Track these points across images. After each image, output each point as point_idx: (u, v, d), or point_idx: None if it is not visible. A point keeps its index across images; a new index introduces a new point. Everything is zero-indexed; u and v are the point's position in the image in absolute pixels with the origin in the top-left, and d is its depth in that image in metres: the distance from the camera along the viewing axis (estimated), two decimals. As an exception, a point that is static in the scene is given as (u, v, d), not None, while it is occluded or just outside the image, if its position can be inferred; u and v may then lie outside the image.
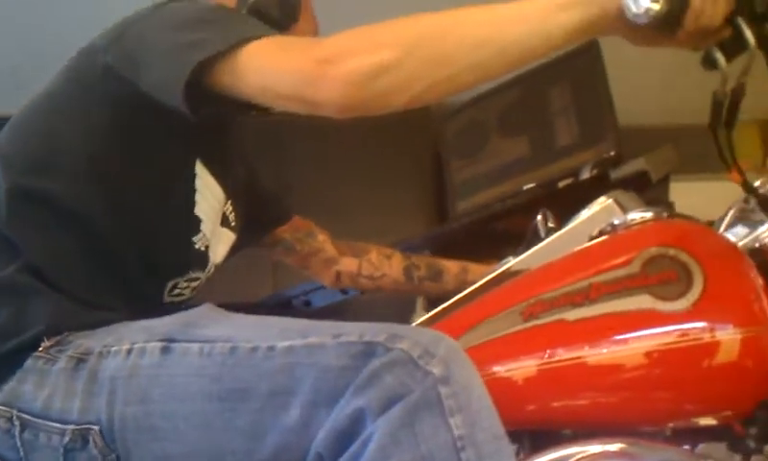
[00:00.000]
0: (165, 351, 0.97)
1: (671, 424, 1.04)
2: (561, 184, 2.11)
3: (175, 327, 1.00)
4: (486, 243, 2.06)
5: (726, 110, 1.07)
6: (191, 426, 0.95)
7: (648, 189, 1.83)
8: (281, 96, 1.00)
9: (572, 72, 2.31)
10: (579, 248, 1.10)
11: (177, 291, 1.19)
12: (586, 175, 2.01)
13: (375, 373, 0.86)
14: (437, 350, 0.88)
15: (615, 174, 1.94)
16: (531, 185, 2.24)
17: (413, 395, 0.85)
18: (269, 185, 1.51)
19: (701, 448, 1.04)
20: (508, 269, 1.16)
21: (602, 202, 1.15)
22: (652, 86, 2.92)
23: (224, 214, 1.25)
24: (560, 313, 1.02)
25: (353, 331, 0.91)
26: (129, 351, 0.98)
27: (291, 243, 1.52)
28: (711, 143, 1.10)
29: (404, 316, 1.46)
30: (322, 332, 0.93)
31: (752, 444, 1.04)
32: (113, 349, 0.99)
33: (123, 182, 1.11)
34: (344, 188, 2.96)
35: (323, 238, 1.55)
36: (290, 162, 2.98)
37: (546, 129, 2.31)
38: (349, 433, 0.86)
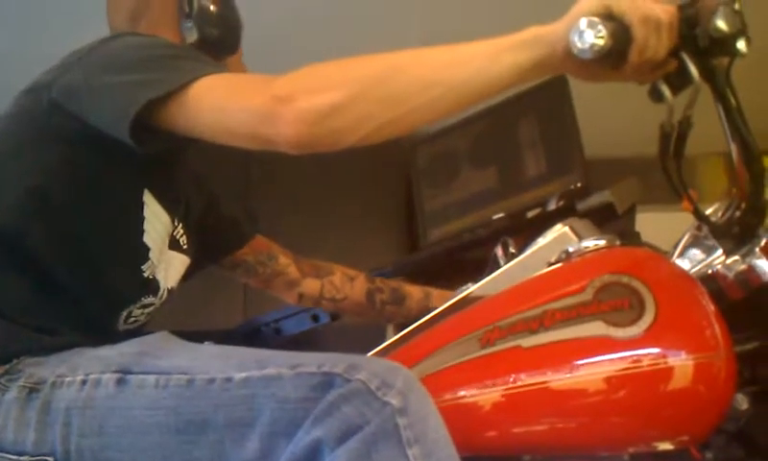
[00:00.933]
0: (120, 382, 0.97)
1: (629, 449, 1.06)
2: (529, 215, 2.13)
3: (130, 357, 1.00)
4: (457, 271, 2.07)
5: (674, 142, 1.10)
6: (149, 459, 0.95)
7: (614, 220, 1.86)
8: (235, 133, 1.02)
9: (540, 105, 2.34)
10: (534, 275, 1.12)
11: (132, 319, 1.20)
12: (552, 206, 2.03)
13: (334, 403, 0.88)
14: (394, 381, 0.89)
15: (582, 205, 1.96)
16: (500, 215, 2.26)
17: (371, 425, 0.86)
18: (229, 210, 1.53)
19: (657, 472, 1.06)
20: (466, 296, 1.18)
21: (557, 229, 1.17)
22: (619, 119, 2.96)
23: (173, 238, 1.26)
24: (516, 340, 1.04)
25: (311, 362, 0.92)
26: (83, 382, 0.99)
27: (252, 265, 1.54)
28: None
29: (375, 344, 1.47)
30: (279, 363, 0.94)
31: (708, 468, 1.06)
32: (67, 379, 1.00)
33: (68, 215, 1.12)
34: (315, 216, 2.97)
35: (285, 261, 1.57)
36: (258, 188, 3.00)
37: (515, 160, 2.33)
38: None
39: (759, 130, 1.13)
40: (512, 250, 1.32)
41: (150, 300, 1.22)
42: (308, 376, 0.91)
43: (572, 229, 1.17)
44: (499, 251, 1.34)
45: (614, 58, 0.99)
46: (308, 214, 2.99)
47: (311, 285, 1.59)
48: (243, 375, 0.94)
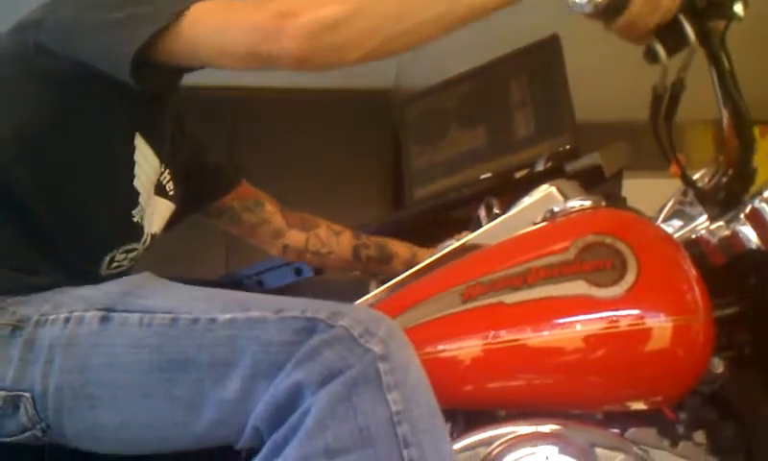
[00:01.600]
0: (104, 320, 0.97)
1: (603, 408, 1.07)
2: (517, 175, 2.13)
3: (113, 296, 1.00)
4: (442, 230, 2.07)
5: (665, 104, 1.10)
6: (129, 396, 0.95)
7: (602, 184, 1.86)
8: (235, 53, 1.00)
9: (532, 65, 2.33)
10: (519, 233, 1.12)
11: (115, 264, 1.19)
12: (540, 167, 2.02)
13: (316, 348, 0.88)
14: (377, 329, 0.89)
15: (570, 167, 1.96)
16: (488, 175, 2.26)
17: (352, 370, 0.86)
18: (213, 157, 1.51)
19: (631, 432, 1.06)
20: (449, 252, 1.18)
21: (543, 189, 1.17)
22: (611, 83, 2.95)
23: (160, 183, 1.25)
24: (498, 296, 1.04)
25: (295, 307, 0.92)
26: (67, 320, 0.98)
27: (238, 212, 1.52)
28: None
29: (357, 299, 1.47)
30: (264, 306, 0.94)
31: (681, 429, 1.07)
32: (51, 317, 0.99)
33: (54, 158, 1.10)
34: (301, 171, 2.96)
35: (271, 209, 1.55)
36: (244, 143, 2.98)
37: (505, 120, 2.32)
38: (288, 406, 0.88)
39: (750, 98, 1.13)
40: (495, 210, 1.32)
41: (133, 245, 1.21)
42: (292, 320, 0.91)
43: (558, 189, 1.17)
44: (482, 211, 1.34)
45: (612, 12, 0.98)
46: (294, 169, 2.98)
47: (296, 237, 1.58)
48: (227, 316, 0.94)
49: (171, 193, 1.29)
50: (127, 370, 0.95)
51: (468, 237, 1.18)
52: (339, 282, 1.91)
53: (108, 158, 1.14)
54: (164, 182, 1.26)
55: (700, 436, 1.08)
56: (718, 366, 1.06)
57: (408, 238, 1.77)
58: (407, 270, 1.22)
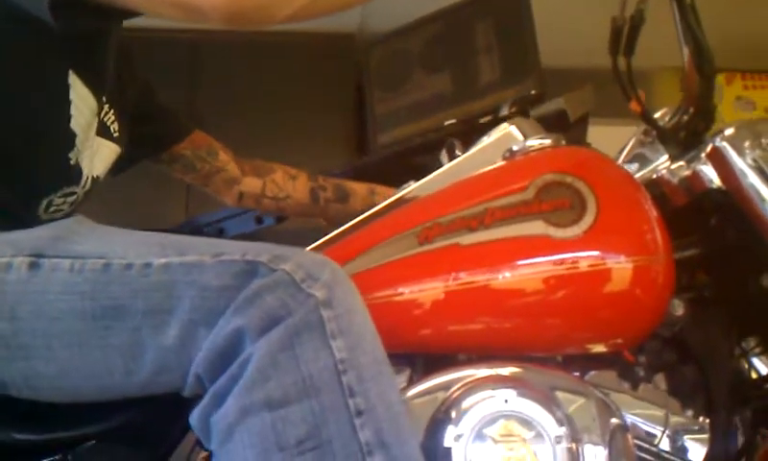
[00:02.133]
0: (33, 266, 0.92)
1: (563, 351, 1.05)
2: (481, 121, 2.10)
3: (43, 241, 0.95)
4: (406, 176, 2.05)
5: (625, 37, 1.07)
6: (64, 345, 0.91)
7: (567, 130, 1.84)
8: (163, 1, 0.95)
9: (498, 9, 2.29)
10: (477, 173, 1.09)
11: (53, 208, 1.14)
12: (505, 111, 1.99)
13: (257, 292, 0.84)
14: (320, 274, 0.86)
15: (534, 112, 1.94)
16: (452, 121, 2.22)
17: (294, 317, 0.83)
18: (166, 103, 1.46)
19: (591, 374, 1.06)
20: (406, 194, 1.15)
21: (503, 128, 1.14)
22: (578, 28, 2.92)
23: (102, 123, 1.19)
24: (455, 237, 1.02)
25: (235, 251, 0.88)
26: None
27: (191, 160, 1.48)
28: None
29: (319, 248, 1.44)
30: (201, 250, 0.90)
31: (641, 372, 1.07)
32: None
33: None
34: (262, 117, 2.91)
35: (225, 157, 1.51)
36: (203, 87, 2.91)
37: (470, 65, 2.28)
38: (229, 354, 0.84)
39: (715, 44, 1.10)
40: (458, 152, 1.29)
41: (72, 188, 1.15)
42: (231, 263, 0.87)
43: (518, 127, 1.14)
44: (444, 153, 1.30)
45: None
46: (255, 115, 2.92)
47: (252, 184, 1.54)
48: (162, 261, 0.89)
49: (116, 135, 1.24)
50: (59, 318, 0.91)
51: (426, 179, 1.15)
52: (301, 230, 1.87)
53: (39, 98, 1.08)
54: (108, 123, 1.21)
55: (660, 379, 1.08)
56: (678, 308, 1.05)
57: (372, 183, 1.74)
58: (366, 208, 1.19)
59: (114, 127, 1.23)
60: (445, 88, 2.30)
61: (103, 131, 1.20)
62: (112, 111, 1.21)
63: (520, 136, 1.12)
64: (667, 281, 1.00)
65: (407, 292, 1.02)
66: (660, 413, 1.02)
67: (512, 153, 1.08)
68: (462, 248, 1.01)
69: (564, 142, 1.09)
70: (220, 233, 2.09)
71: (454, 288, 1.01)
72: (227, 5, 0.91)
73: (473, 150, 1.15)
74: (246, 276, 0.85)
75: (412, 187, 1.15)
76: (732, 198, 1.05)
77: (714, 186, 1.07)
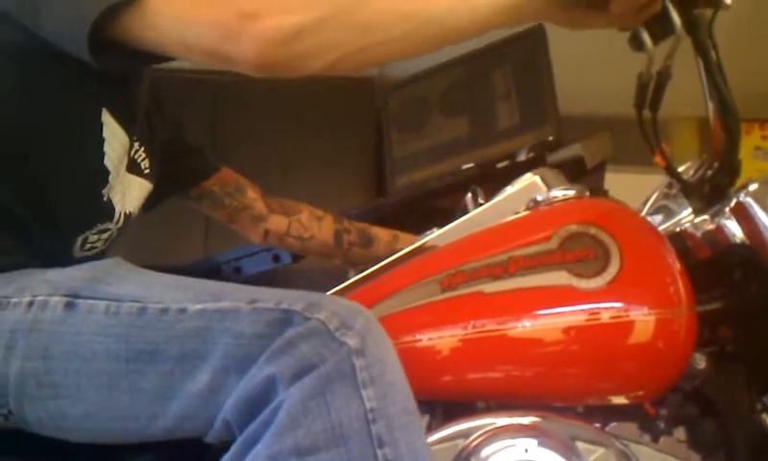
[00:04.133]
0: (69, 306, 0.93)
1: (583, 402, 1.05)
2: (498, 166, 2.12)
3: (80, 281, 0.96)
4: (423, 219, 2.06)
5: (651, 93, 1.08)
6: (94, 387, 0.92)
7: (584, 176, 1.85)
8: (194, 48, 0.96)
9: (516, 56, 2.32)
10: (501, 221, 1.10)
11: (88, 245, 1.15)
12: (522, 157, 2.01)
13: (290, 341, 0.85)
14: (354, 322, 0.86)
15: (552, 158, 1.95)
16: (470, 165, 2.24)
17: (326, 365, 0.83)
18: (194, 140, 1.48)
19: (612, 426, 1.05)
20: (430, 240, 1.15)
21: (527, 178, 1.15)
22: (595, 76, 2.94)
23: (133, 160, 1.21)
24: (478, 285, 1.02)
25: (270, 298, 0.89)
26: (30, 304, 0.95)
27: (219, 197, 1.49)
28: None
29: (335, 287, 1.44)
30: (236, 297, 0.90)
31: (662, 425, 1.06)
32: (13, 300, 0.96)
33: (20, 135, 1.06)
34: (283, 157, 2.93)
35: (252, 195, 1.52)
36: (227, 128, 2.94)
37: (488, 110, 2.31)
38: (260, 401, 0.85)
39: (735, 95, 1.11)
40: (480, 199, 1.30)
41: (106, 225, 1.17)
42: (265, 311, 0.88)
43: (542, 178, 1.15)
44: (469, 199, 1.31)
45: None
46: (276, 156, 2.94)
47: (278, 222, 1.55)
48: (198, 307, 0.90)
49: (146, 171, 1.25)
50: (92, 359, 0.92)
51: (450, 226, 1.16)
52: (317, 270, 1.88)
53: (74, 136, 1.10)
54: (138, 160, 1.22)
55: (681, 432, 1.07)
56: (700, 361, 1.05)
57: (389, 227, 1.75)
58: (388, 254, 1.20)
59: (145, 164, 1.24)
60: (463, 133, 2.33)
61: (134, 168, 1.21)
62: (143, 149, 1.23)
63: (544, 187, 1.13)
64: (689, 335, 1.00)
65: (428, 338, 1.03)
66: (680, 467, 1.02)
67: (536, 202, 1.09)
68: (485, 296, 1.01)
69: (587, 193, 1.10)
70: (237, 272, 2.10)
71: (476, 336, 1.01)
72: (259, 56, 0.93)
73: (497, 198, 1.16)
74: (280, 324, 0.86)
75: (435, 234, 1.15)
76: (756, 253, 1.05)
77: (738, 241, 1.07)
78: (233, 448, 0.86)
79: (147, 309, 0.91)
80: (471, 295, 1.02)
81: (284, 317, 0.87)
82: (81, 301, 0.94)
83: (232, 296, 0.91)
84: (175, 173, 1.39)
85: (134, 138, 1.20)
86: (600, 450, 0.99)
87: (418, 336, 1.03)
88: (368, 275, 1.15)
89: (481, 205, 1.26)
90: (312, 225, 1.56)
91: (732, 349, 1.09)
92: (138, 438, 0.94)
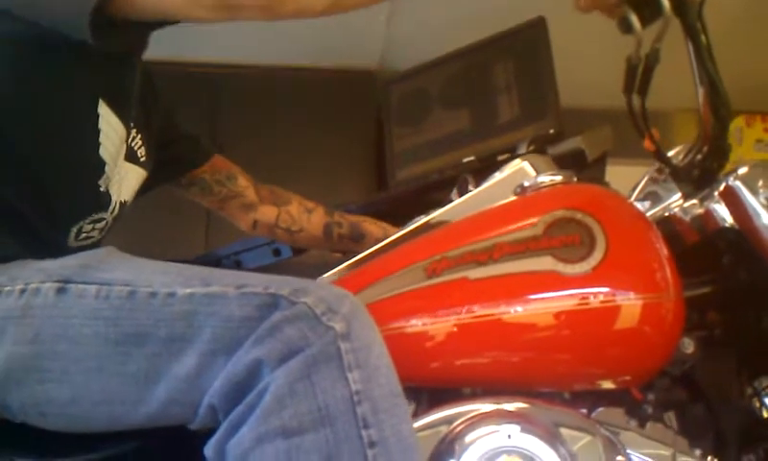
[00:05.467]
0: (61, 291, 0.94)
1: (571, 387, 1.04)
2: (499, 159, 2.10)
3: (72, 268, 0.97)
4: (423, 212, 2.05)
5: (639, 76, 1.07)
6: (81, 370, 0.92)
7: (585, 169, 1.84)
8: (202, 3, 0.95)
9: (518, 49, 2.30)
10: (487, 208, 1.09)
11: (83, 235, 1.16)
12: (523, 150, 1.99)
13: (277, 325, 0.85)
14: (340, 307, 0.87)
15: (552, 151, 1.94)
16: (470, 158, 2.23)
17: (312, 348, 0.84)
18: (185, 128, 1.48)
19: (598, 411, 1.05)
20: (416, 227, 1.15)
21: (515, 164, 1.14)
22: (598, 67, 2.92)
23: (131, 148, 1.21)
24: (463, 271, 1.02)
25: (257, 283, 0.90)
26: (22, 291, 0.95)
27: (209, 184, 1.50)
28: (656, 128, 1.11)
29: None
30: (224, 282, 0.91)
31: (649, 410, 1.05)
32: (6, 288, 0.96)
33: (17, 128, 1.07)
34: (283, 152, 2.93)
35: (243, 182, 1.53)
36: (226, 120, 2.94)
37: (489, 103, 2.29)
38: (246, 384, 0.85)
39: (737, 88, 1.11)
40: (471, 188, 1.30)
41: (101, 214, 1.17)
42: (253, 295, 0.88)
43: (531, 163, 1.14)
44: (459, 187, 1.31)
45: None
46: (276, 149, 2.94)
47: (267, 212, 1.56)
48: (187, 291, 0.90)
49: (143, 159, 1.26)
50: (81, 341, 0.92)
51: (438, 212, 1.15)
52: (319, 264, 1.88)
53: (69, 127, 1.10)
54: (135, 148, 1.23)
55: (669, 417, 1.06)
56: (688, 346, 1.05)
57: (390, 219, 1.75)
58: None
59: (141, 151, 1.25)
60: (464, 126, 2.31)
61: (131, 156, 1.22)
62: (139, 136, 1.24)
63: (533, 172, 1.12)
64: (677, 319, 0.99)
65: (413, 325, 1.02)
66: (667, 452, 1.01)
67: (523, 188, 1.09)
68: (470, 282, 1.01)
69: (575, 179, 1.09)
70: (237, 266, 2.10)
71: (461, 322, 1.00)
72: None
73: (485, 185, 1.15)
74: (267, 308, 0.86)
75: (422, 221, 1.15)
76: (745, 237, 1.05)
77: (727, 225, 1.06)
78: (219, 432, 0.86)
79: (136, 293, 0.92)
80: (456, 281, 1.02)
81: (271, 301, 0.87)
82: (72, 285, 0.94)
83: (221, 281, 0.91)
84: (168, 161, 1.40)
85: (131, 127, 1.20)
86: (586, 437, 0.98)
87: (403, 323, 1.03)
88: (356, 261, 1.15)
89: (469, 192, 1.26)
90: (301, 217, 1.57)
91: (721, 333, 1.08)
92: (122, 425, 0.94)
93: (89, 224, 1.16)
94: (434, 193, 2.16)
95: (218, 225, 1.66)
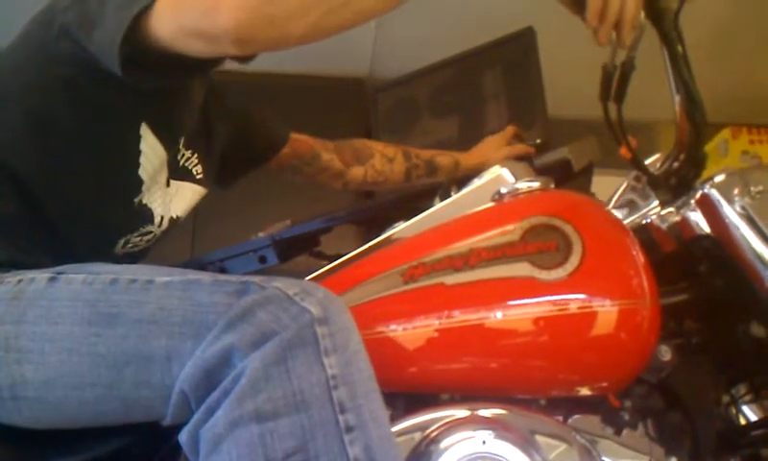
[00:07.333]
0: (52, 280, 0.98)
1: (547, 394, 1.04)
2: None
3: (69, 266, 1.01)
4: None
5: (615, 84, 1.08)
6: (56, 350, 0.93)
7: (571, 179, 1.84)
8: (186, 32, 0.97)
9: (506, 58, 2.32)
10: (464, 214, 1.09)
11: (130, 245, 1.23)
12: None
13: (248, 309, 0.86)
14: (315, 291, 0.88)
15: (538, 161, 1.94)
16: (458, 167, 2.23)
17: (287, 332, 0.84)
18: (259, 118, 1.60)
19: (575, 418, 1.04)
20: (395, 233, 1.15)
21: (494, 170, 1.14)
22: (586, 78, 2.92)
23: (183, 168, 1.28)
24: (439, 277, 1.02)
25: (233, 277, 0.92)
26: (19, 280, 0.99)
27: (298, 166, 1.65)
28: (640, 139, 1.12)
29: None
30: (203, 275, 0.93)
31: (626, 417, 1.05)
32: (6, 279, 1.00)
33: (64, 143, 1.12)
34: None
35: (327, 157, 1.67)
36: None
37: (477, 112, 2.31)
38: (217, 370, 0.85)
39: (720, 100, 1.11)
40: (453, 194, 1.29)
41: (148, 228, 1.24)
42: (225, 283, 0.90)
43: (509, 170, 1.14)
44: (440, 194, 1.31)
45: None
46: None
47: (355, 173, 1.70)
48: (165, 278, 0.93)
49: (199, 177, 1.33)
50: (58, 321, 0.94)
51: (415, 219, 1.15)
52: (304, 272, 1.87)
53: (112, 147, 1.16)
54: (190, 167, 1.29)
55: (645, 425, 1.06)
56: (665, 353, 1.05)
57: (377, 227, 1.75)
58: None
59: (197, 169, 1.31)
60: (452, 134, 2.32)
61: (183, 175, 1.28)
62: (195, 156, 1.30)
63: (511, 179, 1.12)
64: (653, 326, 0.99)
65: (390, 330, 1.02)
66: (643, 460, 1.01)
67: (500, 195, 1.09)
68: (446, 287, 1.01)
69: (552, 185, 1.09)
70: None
71: (437, 328, 1.00)
72: (238, 26, 0.93)
73: (464, 191, 1.15)
74: (237, 294, 0.87)
75: (402, 226, 1.15)
76: (721, 245, 1.05)
77: (703, 233, 1.06)
78: (194, 417, 0.86)
79: (118, 280, 0.95)
80: (433, 287, 1.02)
81: (242, 288, 0.88)
82: (63, 275, 0.98)
83: (200, 274, 0.94)
84: (247, 153, 1.53)
85: (180, 147, 1.26)
86: (562, 445, 0.98)
87: (379, 328, 1.03)
88: (333, 266, 1.15)
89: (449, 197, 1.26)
90: (384, 169, 1.70)
91: (699, 341, 1.08)
92: (95, 414, 0.94)
93: (137, 237, 1.24)
94: (421, 201, 2.16)
95: (203, 230, 1.67)
